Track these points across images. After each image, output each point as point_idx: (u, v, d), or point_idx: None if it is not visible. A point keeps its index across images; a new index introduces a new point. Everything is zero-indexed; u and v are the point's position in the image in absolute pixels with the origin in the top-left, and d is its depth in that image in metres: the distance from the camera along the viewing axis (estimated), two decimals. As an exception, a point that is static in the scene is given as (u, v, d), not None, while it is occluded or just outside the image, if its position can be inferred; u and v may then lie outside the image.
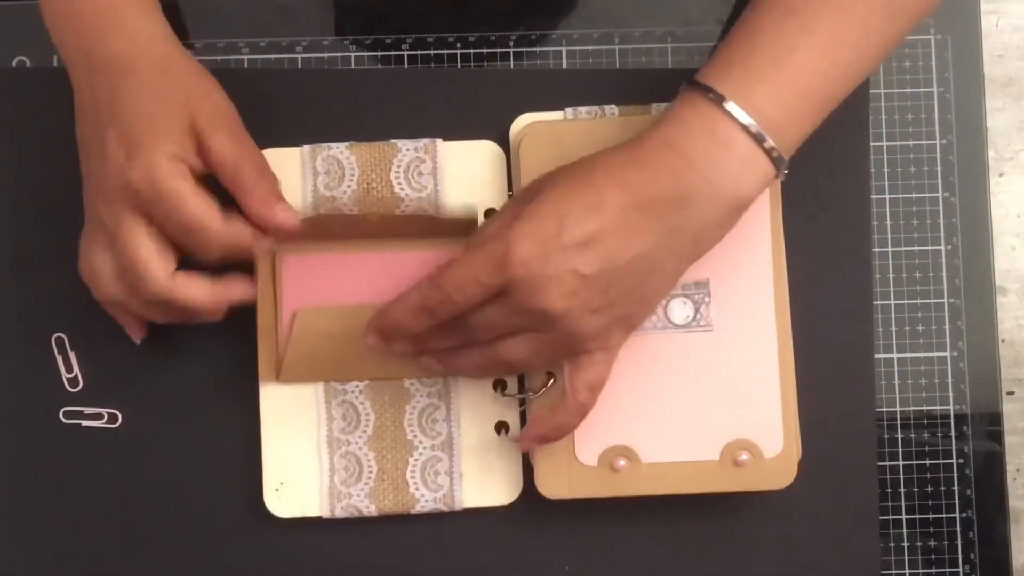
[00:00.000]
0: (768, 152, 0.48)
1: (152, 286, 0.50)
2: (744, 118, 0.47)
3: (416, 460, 0.57)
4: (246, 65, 0.60)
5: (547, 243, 0.47)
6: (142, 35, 0.51)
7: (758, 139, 0.48)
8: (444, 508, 0.57)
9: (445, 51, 0.60)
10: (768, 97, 0.48)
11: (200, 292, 0.51)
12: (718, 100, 0.48)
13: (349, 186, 0.57)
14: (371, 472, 0.57)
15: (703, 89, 0.49)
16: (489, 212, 0.58)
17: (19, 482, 0.58)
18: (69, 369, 0.59)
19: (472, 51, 0.61)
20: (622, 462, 0.55)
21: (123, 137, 0.48)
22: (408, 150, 0.58)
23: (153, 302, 0.51)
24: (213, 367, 0.58)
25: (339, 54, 0.61)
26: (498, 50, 0.61)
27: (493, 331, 0.50)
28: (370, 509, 0.57)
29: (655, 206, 0.48)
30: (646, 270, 0.49)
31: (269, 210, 0.51)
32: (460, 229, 0.56)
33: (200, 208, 0.49)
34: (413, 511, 0.57)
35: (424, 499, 0.57)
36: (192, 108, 0.50)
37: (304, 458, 0.57)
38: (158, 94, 0.50)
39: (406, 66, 0.60)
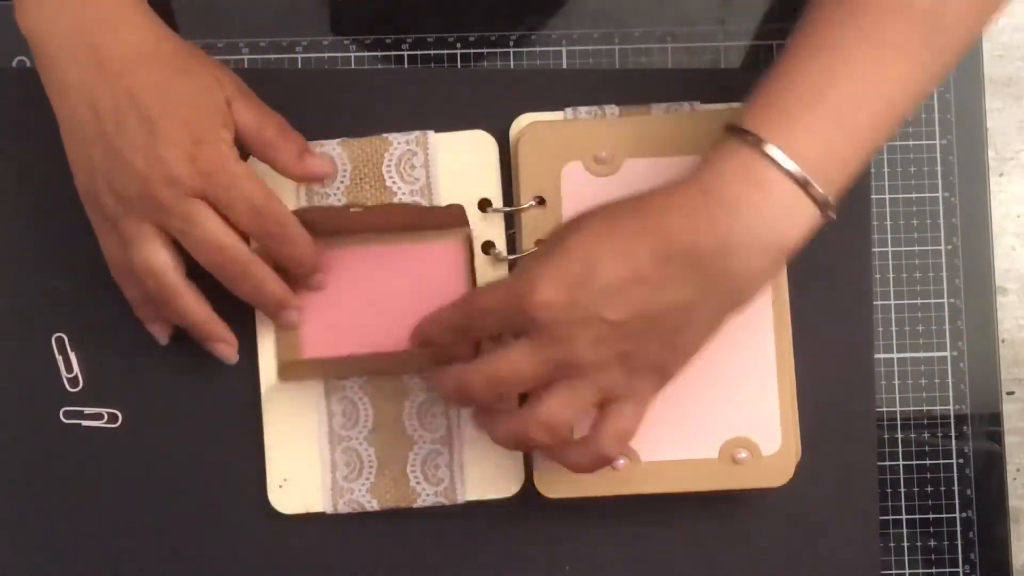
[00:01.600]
0: (811, 195, 0.46)
1: (235, 252, 0.51)
2: (784, 161, 0.45)
3: (416, 454, 0.57)
4: (246, 65, 0.60)
5: (574, 287, 0.45)
6: (153, 27, 0.51)
7: (800, 182, 0.45)
8: (445, 501, 0.57)
9: (445, 51, 0.61)
10: (807, 137, 0.46)
11: (273, 275, 0.53)
12: (756, 144, 0.45)
13: (342, 182, 0.57)
14: (372, 467, 0.57)
15: (740, 133, 0.46)
16: (483, 202, 0.58)
17: (19, 482, 0.58)
18: (69, 369, 0.59)
19: (472, 51, 0.61)
20: (621, 461, 0.55)
21: (180, 124, 0.49)
22: (400, 143, 0.58)
23: (231, 276, 0.52)
24: (213, 366, 0.58)
25: (339, 54, 0.61)
26: (498, 50, 0.61)
27: (520, 381, 0.48)
28: (372, 504, 0.57)
29: (692, 255, 0.45)
30: (680, 321, 0.46)
31: (301, 163, 0.53)
32: (451, 220, 0.56)
33: (262, 186, 0.50)
34: (415, 505, 0.57)
35: (425, 493, 0.57)
36: (220, 89, 0.51)
37: (306, 454, 0.57)
38: (194, 80, 0.50)
39: (406, 66, 0.60)
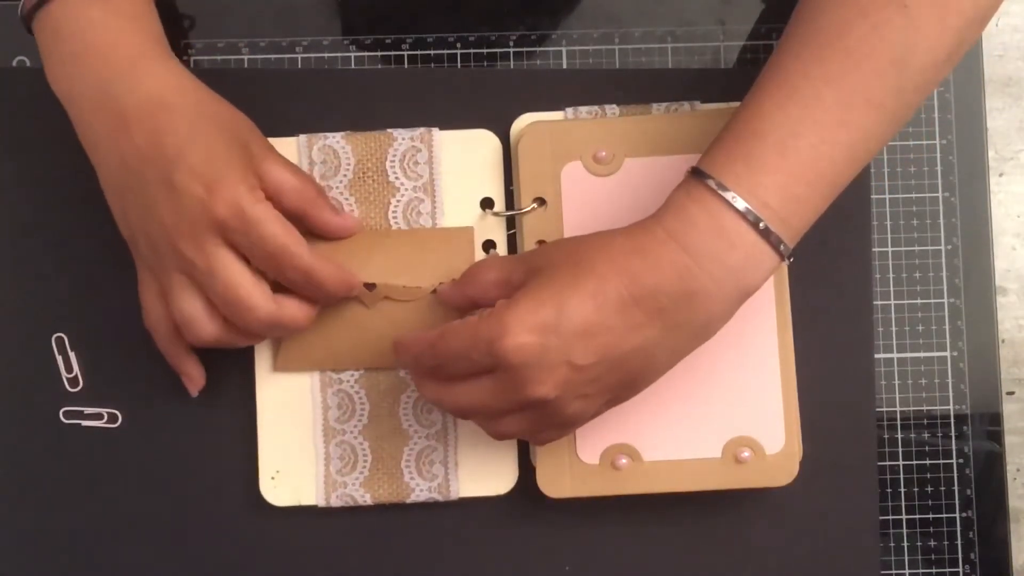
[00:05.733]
0: (774, 245, 0.47)
1: (259, 313, 0.51)
2: (750, 213, 0.46)
3: (411, 449, 0.57)
4: (246, 65, 0.60)
5: (545, 331, 0.46)
6: (171, 76, 0.51)
7: (764, 233, 0.46)
8: (439, 497, 0.57)
9: (445, 51, 0.61)
10: (773, 188, 0.46)
11: (300, 310, 0.53)
12: (723, 194, 0.46)
13: (345, 175, 0.57)
14: (366, 461, 0.57)
15: (708, 180, 0.47)
16: (485, 200, 0.58)
17: (19, 482, 0.58)
18: (69, 369, 0.59)
19: (472, 51, 0.61)
20: (624, 460, 0.56)
21: (195, 174, 0.48)
22: (404, 139, 0.58)
23: (257, 331, 0.52)
24: (211, 359, 0.58)
25: (339, 54, 0.61)
26: (498, 50, 0.61)
27: (486, 413, 0.49)
28: (365, 498, 0.57)
29: (657, 302, 0.46)
30: (642, 363, 0.48)
31: (341, 217, 0.55)
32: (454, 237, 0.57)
33: (288, 230, 0.50)
34: (408, 500, 0.57)
35: (419, 488, 0.57)
36: (243, 140, 0.51)
37: (300, 447, 0.57)
38: (211, 129, 0.50)
39: (406, 66, 0.60)
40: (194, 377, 0.57)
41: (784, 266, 0.56)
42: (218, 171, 0.49)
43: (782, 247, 0.47)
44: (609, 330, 0.46)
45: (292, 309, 0.52)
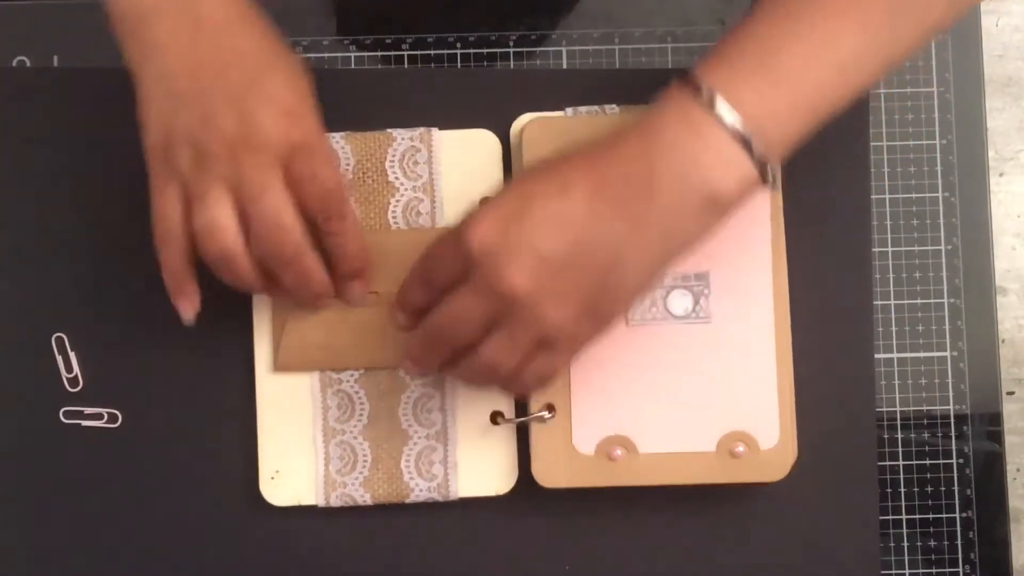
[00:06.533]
0: (748, 150, 0.46)
1: (293, 236, 0.50)
2: (724, 110, 0.46)
3: (411, 450, 0.57)
4: (246, 65, 0.60)
5: (508, 220, 0.47)
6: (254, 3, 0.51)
7: (736, 135, 0.46)
8: (439, 498, 0.57)
9: (445, 51, 0.61)
10: (749, 92, 0.46)
11: (321, 272, 0.53)
12: (698, 92, 0.46)
13: (344, 175, 0.57)
14: (366, 461, 0.57)
15: (687, 82, 0.47)
16: (485, 201, 0.58)
17: (19, 482, 0.58)
18: (69, 369, 0.59)
19: (472, 51, 0.61)
20: (619, 452, 0.56)
21: (274, 98, 0.49)
22: (403, 139, 0.58)
23: (281, 259, 0.51)
24: (211, 358, 0.58)
25: (339, 54, 0.61)
26: (498, 50, 0.61)
27: (464, 325, 0.49)
28: (365, 498, 0.57)
29: (621, 192, 0.46)
30: (610, 259, 0.47)
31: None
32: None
33: (338, 174, 0.51)
34: (407, 500, 0.57)
35: (419, 488, 0.57)
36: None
37: (299, 447, 0.57)
38: (287, 52, 0.51)
39: (406, 66, 0.60)
40: (190, 296, 0.53)
41: (783, 264, 0.56)
42: (297, 102, 0.50)
43: (757, 154, 0.46)
44: (574, 221, 0.46)
45: (316, 263, 0.52)
